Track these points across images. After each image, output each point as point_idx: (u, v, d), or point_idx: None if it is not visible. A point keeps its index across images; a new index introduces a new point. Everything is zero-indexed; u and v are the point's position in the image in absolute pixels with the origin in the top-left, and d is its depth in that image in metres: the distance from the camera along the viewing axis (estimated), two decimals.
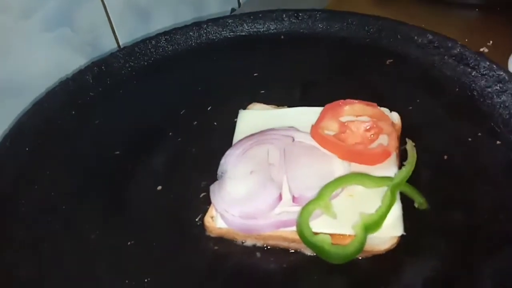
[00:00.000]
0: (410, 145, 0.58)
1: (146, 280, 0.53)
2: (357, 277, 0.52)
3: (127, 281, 0.53)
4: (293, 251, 0.55)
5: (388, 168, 0.58)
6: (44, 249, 0.57)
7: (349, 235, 0.52)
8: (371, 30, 0.82)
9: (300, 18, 0.86)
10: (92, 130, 0.72)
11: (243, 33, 0.87)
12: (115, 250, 0.56)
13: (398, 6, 1.06)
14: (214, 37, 0.87)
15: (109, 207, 0.61)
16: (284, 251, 0.55)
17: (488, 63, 0.71)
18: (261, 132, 0.63)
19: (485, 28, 0.96)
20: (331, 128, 0.62)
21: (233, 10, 1.17)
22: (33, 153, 0.67)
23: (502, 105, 0.67)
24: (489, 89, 0.69)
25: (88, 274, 0.54)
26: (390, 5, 1.08)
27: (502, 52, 0.83)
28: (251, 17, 0.87)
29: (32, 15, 0.78)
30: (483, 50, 0.90)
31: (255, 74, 0.78)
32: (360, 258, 0.52)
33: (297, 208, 0.54)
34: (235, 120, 0.68)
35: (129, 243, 0.56)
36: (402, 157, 0.59)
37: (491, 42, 0.91)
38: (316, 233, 0.52)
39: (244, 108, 0.70)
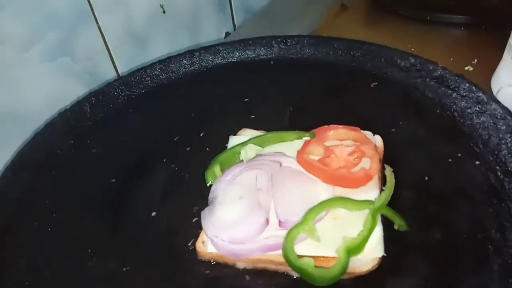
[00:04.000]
0: (388, 171, 0.61)
1: None
2: None
3: None
4: (281, 273, 0.57)
5: (371, 191, 0.60)
6: (43, 276, 0.59)
7: (333, 257, 0.55)
8: (357, 54, 0.85)
9: (288, 44, 0.90)
10: (90, 159, 0.74)
11: (234, 60, 0.91)
12: (111, 275, 0.59)
13: (387, 26, 1.10)
14: (207, 64, 0.90)
15: (105, 234, 0.64)
16: (272, 273, 0.57)
17: (467, 84, 0.73)
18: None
19: (470, 47, 0.99)
20: (316, 152, 0.65)
21: (227, 34, 1.21)
22: (33, 183, 0.70)
23: (481, 126, 0.69)
24: (469, 110, 0.72)
25: None
26: (380, 25, 1.12)
27: (486, 70, 0.86)
28: (242, 44, 0.91)
29: (32, 46, 0.81)
30: (468, 68, 0.93)
31: (245, 100, 0.82)
32: (343, 279, 0.55)
33: (283, 232, 0.56)
34: (226, 145, 0.70)
35: (124, 268, 0.59)
36: (384, 179, 0.62)
37: (476, 60, 0.94)
38: (301, 256, 0.54)
39: (235, 134, 0.73)
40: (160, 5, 1.01)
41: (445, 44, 1.01)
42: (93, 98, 0.82)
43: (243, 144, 0.68)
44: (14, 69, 0.80)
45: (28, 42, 0.81)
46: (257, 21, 1.19)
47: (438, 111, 0.74)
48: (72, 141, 0.77)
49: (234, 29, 1.23)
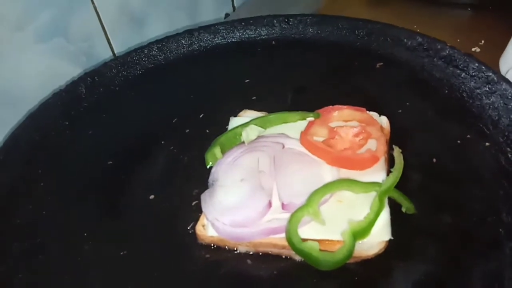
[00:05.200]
0: (397, 152, 0.59)
1: None
2: (347, 282, 0.52)
3: None
4: (284, 257, 0.55)
5: (377, 173, 0.58)
6: (38, 259, 0.58)
7: (338, 241, 0.53)
8: (361, 33, 0.83)
9: (290, 23, 0.87)
10: (85, 141, 0.72)
11: (235, 40, 0.88)
12: (108, 259, 0.57)
13: (391, 7, 1.07)
14: (206, 44, 0.88)
15: (102, 217, 0.62)
16: (275, 257, 0.56)
17: (477, 64, 0.71)
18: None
19: (477, 28, 0.96)
20: (320, 134, 0.63)
21: (227, 15, 1.18)
22: (27, 165, 0.68)
23: (491, 106, 0.67)
24: (478, 90, 0.69)
25: (82, 284, 0.55)
26: (383, 6, 1.09)
27: (494, 51, 0.84)
28: (242, 23, 0.88)
29: (26, 26, 0.79)
30: (475, 49, 0.90)
31: (246, 81, 0.79)
32: (349, 263, 0.53)
33: (286, 215, 0.54)
34: (227, 127, 0.68)
35: (121, 252, 0.57)
36: (391, 161, 0.60)
37: (483, 41, 0.91)
38: (305, 240, 0.52)
39: (236, 115, 0.71)
40: None
41: (451, 25, 0.99)
42: (88, 79, 0.80)
43: (245, 125, 0.65)
44: (7, 49, 0.78)
45: (22, 22, 0.78)
46: (257, 2, 1.16)
47: (446, 91, 0.72)
48: (67, 123, 0.75)
49: (234, 10, 1.20)
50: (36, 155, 0.70)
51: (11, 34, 0.77)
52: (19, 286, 0.55)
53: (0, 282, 0.56)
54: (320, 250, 0.51)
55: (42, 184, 0.66)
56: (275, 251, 0.55)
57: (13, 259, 0.58)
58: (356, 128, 0.62)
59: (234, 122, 0.69)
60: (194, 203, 0.61)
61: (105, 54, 0.94)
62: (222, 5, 1.17)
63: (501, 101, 0.66)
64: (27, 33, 0.79)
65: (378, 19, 0.85)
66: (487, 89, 0.69)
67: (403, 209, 0.56)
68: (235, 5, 1.21)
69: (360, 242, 0.53)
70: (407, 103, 0.70)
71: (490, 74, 0.69)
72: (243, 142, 0.64)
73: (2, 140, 0.73)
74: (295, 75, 0.79)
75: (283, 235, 0.53)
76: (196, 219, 0.59)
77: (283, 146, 0.62)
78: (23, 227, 0.61)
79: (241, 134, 0.64)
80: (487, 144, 0.63)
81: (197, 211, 0.59)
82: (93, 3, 0.88)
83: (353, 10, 1.07)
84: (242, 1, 1.21)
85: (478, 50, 0.90)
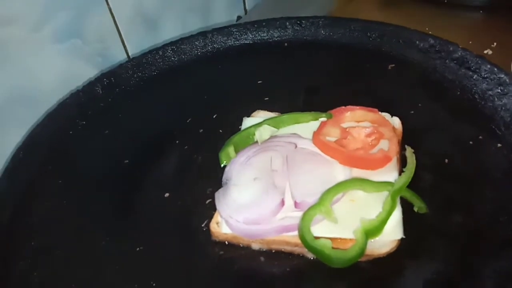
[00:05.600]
0: (409, 152, 0.59)
1: (153, 284, 0.55)
2: (358, 280, 0.53)
3: (136, 286, 0.55)
4: (296, 255, 0.56)
5: (389, 173, 0.59)
6: (56, 256, 0.59)
7: (350, 239, 0.54)
8: (373, 35, 0.83)
9: (303, 26, 0.88)
10: (102, 140, 0.74)
11: (248, 41, 0.89)
12: (124, 255, 0.58)
13: (403, 10, 1.07)
14: (219, 46, 0.89)
15: (118, 214, 0.63)
16: (288, 255, 0.56)
17: (489, 66, 0.71)
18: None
19: (489, 30, 0.96)
20: (332, 134, 0.64)
21: (239, 17, 1.19)
22: (45, 163, 0.70)
23: (503, 108, 0.67)
24: (490, 92, 0.70)
25: (98, 279, 0.56)
26: (395, 8, 1.09)
27: (506, 53, 0.84)
28: (255, 25, 0.89)
29: (43, 27, 0.80)
30: (487, 52, 0.90)
31: (259, 82, 0.80)
32: (361, 261, 0.53)
33: (299, 213, 0.55)
34: (240, 127, 0.69)
35: (137, 248, 0.58)
36: (403, 162, 0.60)
37: (495, 43, 0.91)
38: (317, 238, 0.53)
39: (249, 116, 0.72)
40: None
41: (463, 27, 0.99)
42: (105, 79, 0.81)
43: (258, 125, 0.66)
44: (25, 50, 0.80)
45: (39, 23, 0.80)
46: (268, 5, 1.17)
47: (458, 93, 0.72)
48: (84, 122, 0.76)
49: (246, 13, 1.21)
50: (54, 154, 0.71)
51: (29, 35, 0.79)
52: (36, 283, 0.57)
53: (18, 278, 0.57)
54: (333, 248, 0.52)
55: (60, 182, 0.68)
56: (287, 248, 0.56)
57: (31, 256, 0.59)
58: (368, 128, 0.63)
59: (247, 122, 0.70)
60: (208, 201, 0.62)
61: (120, 55, 0.96)
62: (234, 7, 1.19)
63: None
64: (44, 34, 0.81)
65: (390, 21, 0.85)
66: (499, 90, 0.69)
67: (415, 209, 0.56)
68: (246, 8, 1.22)
69: (372, 240, 0.53)
70: (419, 104, 0.71)
71: (502, 76, 0.69)
72: (256, 142, 0.65)
73: (21, 139, 0.75)
74: (307, 76, 0.80)
75: (296, 233, 0.54)
76: (210, 217, 0.60)
77: (296, 146, 0.63)
78: (41, 224, 0.63)
79: (254, 134, 0.65)
80: (499, 145, 0.63)
81: (211, 209, 0.60)
82: (108, 4, 0.90)
83: (365, 12, 1.07)
84: (253, 4, 1.22)
85: (490, 52, 0.90)
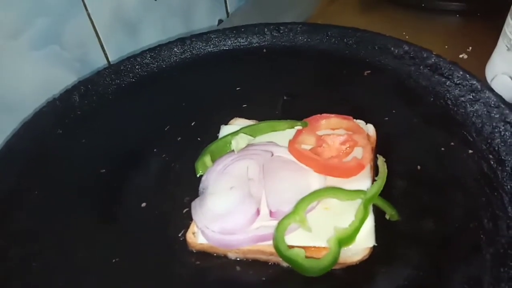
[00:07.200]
0: (381, 161, 0.60)
1: None
2: (332, 287, 0.54)
3: None
4: (272, 264, 0.57)
5: (362, 181, 0.60)
6: (34, 266, 0.59)
7: (324, 248, 0.54)
8: (350, 42, 0.84)
9: (281, 32, 0.88)
10: (79, 149, 0.73)
11: (227, 48, 0.89)
12: (102, 265, 0.58)
13: (382, 14, 1.09)
14: (198, 52, 0.89)
15: (95, 224, 0.63)
16: (264, 264, 0.57)
17: (461, 72, 0.73)
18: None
19: (465, 34, 0.98)
20: (308, 142, 0.64)
21: (220, 21, 1.19)
22: (22, 173, 0.69)
23: (475, 114, 0.69)
24: (463, 98, 0.71)
25: None
26: (374, 12, 1.10)
27: (482, 57, 0.85)
28: (234, 31, 0.89)
29: (21, 34, 0.79)
30: (463, 56, 0.92)
31: (237, 89, 0.80)
32: (334, 269, 0.54)
33: (274, 222, 0.56)
34: (218, 135, 0.70)
35: (114, 260, 0.58)
36: (377, 169, 0.61)
37: (470, 48, 0.93)
38: (291, 247, 0.54)
39: (227, 123, 0.72)
40: None
41: (440, 31, 1.00)
42: (82, 87, 0.81)
43: (234, 133, 0.67)
44: (2, 57, 0.79)
45: (17, 30, 0.79)
46: (250, 8, 1.18)
47: (432, 99, 0.73)
48: (60, 131, 0.76)
49: (227, 16, 1.21)
50: (31, 164, 0.71)
51: (6, 42, 0.78)
52: None
53: None
54: (306, 256, 0.53)
55: (36, 192, 0.67)
56: (263, 257, 0.57)
57: (9, 265, 0.59)
58: (343, 136, 0.64)
59: (225, 130, 0.70)
60: (185, 210, 0.63)
61: (99, 61, 0.95)
62: (215, 11, 1.19)
63: (485, 109, 0.68)
64: (22, 41, 0.80)
65: (369, 25, 0.87)
66: (471, 97, 0.70)
67: (387, 216, 0.57)
68: (228, 11, 1.22)
69: (345, 248, 0.54)
70: (394, 111, 0.72)
71: (474, 82, 0.71)
72: (233, 151, 0.65)
73: None
74: (285, 83, 0.81)
75: (271, 242, 0.55)
76: (187, 226, 0.60)
77: (272, 154, 0.64)
78: (19, 234, 0.63)
79: (231, 143, 0.66)
80: (470, 151, 0.65)
81: (188, 218, 0.60)
82: (86, 10, 0.89)
83: (344, 16, 1.08)
84: (235, 7, 1.23)
85: (465, 56, 0.92)
